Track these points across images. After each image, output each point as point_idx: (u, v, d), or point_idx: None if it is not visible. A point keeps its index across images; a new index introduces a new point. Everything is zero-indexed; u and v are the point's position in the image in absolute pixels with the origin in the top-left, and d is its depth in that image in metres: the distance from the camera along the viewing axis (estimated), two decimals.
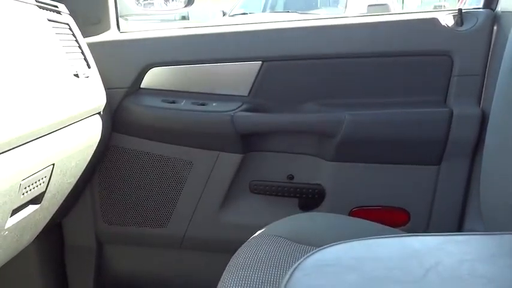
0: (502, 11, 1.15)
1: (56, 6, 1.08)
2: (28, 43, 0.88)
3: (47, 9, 1.02)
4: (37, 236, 1.08)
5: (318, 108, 1.22)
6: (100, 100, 1.14)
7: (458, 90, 1.17)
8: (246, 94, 1.26)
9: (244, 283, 0.77)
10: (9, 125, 0.75)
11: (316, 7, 7.16)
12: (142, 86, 1.28)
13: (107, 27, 1.33)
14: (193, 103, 1.25)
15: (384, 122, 1.18)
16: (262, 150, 1.27)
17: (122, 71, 1.27)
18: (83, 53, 1.12)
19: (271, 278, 0.78)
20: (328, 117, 1.20)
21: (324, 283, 0.44)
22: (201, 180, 1.27)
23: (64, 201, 1.12)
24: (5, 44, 0.81)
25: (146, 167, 1.28)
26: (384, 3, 6.59)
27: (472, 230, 1.15)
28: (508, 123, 0.78)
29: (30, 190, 0.88)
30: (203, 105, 1.24)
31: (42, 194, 0.95)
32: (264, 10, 7.34)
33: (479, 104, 1.16)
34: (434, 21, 1.18)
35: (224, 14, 7.47)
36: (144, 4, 1.53)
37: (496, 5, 1.18)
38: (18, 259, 1.06)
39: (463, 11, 1.18)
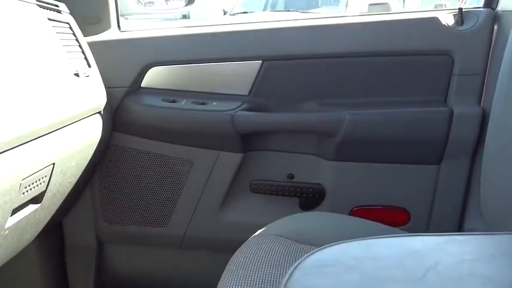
0: (502, 10, 1.15)
1: (57, 6, 1.08)
2: (28, 42, 0.88)
3: (47, 8, 1.02)
4: (37, 235, 1.08)
5: (318, 108, 1.22)
6: (100, 99, 1.14)
7: (458, 90, 1.17)
8: (247, 93, 1.25)
9: (244, 282, 0.77)
10: (10, 125, 0.75)
11: (316, 6, 7.16)
12: (142, 85, 1.28)
13: (107, 27, 1.33)
14: (193, 102, 1.25)
15: (384, 122, 1.18)
16: (263, 149, 1.27)
17: (123, 70, 1.27)
18: (83, 52, 1.12)
19: (271, 277, 0.78)
20: (329, 116, 1.20)
21: (324, 283, 0.44)
22: (201, 180, 1.27)
23: (64, 200, 1.12)
24: (5, 43, 0.81)
25: (146, 166, 1.28)
26: (384, 2, 6.58)
27: (472, 230, 1.15)
28: (509, 122, 0.78)
29: (31, 189, 0.88)
30: (203, 104, 1.24)
31: (43, 194, 0.95)
32: (264, 9, 7.34)
33: (480, 103, 1.16)
34: (434, 21, 1.18)
35: (225, 13, 7.47)
36: (145, 3, 1.52)
37: (497, 4, 1.18)
38: (19, 258, 1.06)
39: (463, 10, 1.18)
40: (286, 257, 0.84)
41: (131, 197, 1.31)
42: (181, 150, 1.26)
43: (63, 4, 1.13)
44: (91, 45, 1.18)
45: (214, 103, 1.25)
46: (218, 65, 1.26)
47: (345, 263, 0.47)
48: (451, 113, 1.14)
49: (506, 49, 0.82)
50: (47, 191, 0.96)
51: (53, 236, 1.34)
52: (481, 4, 1.21)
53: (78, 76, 1.02)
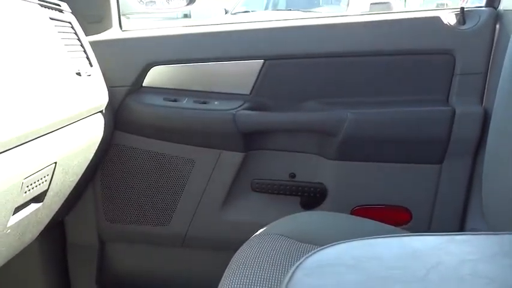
0: (504, 10, 1.15)
1: (58, 5, 1.08)
2: (30, 42, 0.88)
3: (49, 7, 1.02)
4: (39, 234, 1.08)
5: (320, 107, 1.22)
6: (102, 98, 1.14)
7: (460, 89, 1.16)
8: (248, 93, 1.25)
9: (246, 281, 0.77)
10: (12, 124, 0.75)
11: (318, 5, 7.15)
12: (144, 84, 1.28)
13: (109, 26, 1.33)
14: (195, 101, 1.25)
15: (386, 121, 1.18)
16: (264, 148, 1.27)
17: (124, 69, 1.27)
18: (85, 51, 1.12)
19: (272, 276, 0.78)
20: (330, 115, 1.20)
21: (325, 283, 0.44)
22: (202, 179, 1.27)
23: (66, 199, 1.12)
24: (7, 42, 0.81)
25: (148, 165, 1.28)
26: (386, 1, 6.55)
27: (474, 229, 1.15)
28: (510, 122, 0.78)
29: (33, 188, 0.88)
30: (205, 103, 1.24)
31: (45, 193, 0.95)
32: (266, 8, 7.33)
33: (482, 102, 1.16)
34: (436, 20, 1.18)
35: (226, 12, 7.46)
36: (146, 2, 1.52)
37: (499, 4, 1.17)
38: (21, 257, 1.06)
39: (465, 9, 1.18)
40: (288, 256, 0.84)
41: (133, 196, 1.31)
42: (182, 149, 1.26)
43: (65, 3, 1.13)
44: (93, 44, 1.18)
45: (215, 102, 1.25)
46: (220, 64, 1.26)
47: (347, 263, 0.47)
48: (453, 113, 1.14)
49: (508, 48, 0.82)
50: (49, 190, 0.96)
51: (55, 235, 1.34)
52: (483, 3, 1.21)
53: (80, 75, 1.02)
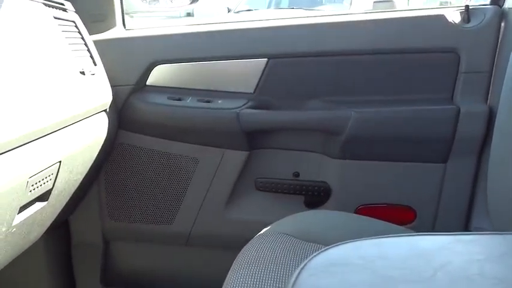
0: (509, 8, 1.14)
1: (62, 4, 1.08)
2: (34, 41, 0.88)
3: (53, 6, 1.02)
4: (44, 233, 1.08)
5: (324, 106, 1.22)
6: (106, 97, 1.14)
7: (465, 88, 1.16)
8: (252, 91, 1.25)
9: (250, 281, 0.77)
10: (16, 123, 0.76)
11: (321, 3, 7.13)
12: (148, 83, 1.28)
13: (112, 25, 1.33)
14: (198, 100, 1.25)
15: (390, 120, 1.17)
16: (268, 147, 1.27)
17: (128, 68, 1.27)
18: (89, 50, 1.12)
19: (277, 275, 0.78)
20: (334, 114, 1.20)
21: (331, 283, 0.44)
22: (206, 178, 1.27)
23: (71, 198, 1.12)
24: (11, 41, 0.81)
25: (152, 164, 1.28)
26: None
27: (479, 228, 1.15)
28: None
29: (38, 187, 0.88)
30: (209, 102, 1.24)
31: (49, 191, 0.95)
32: (269, 7, 7.32)
33: (487, 101, 1.15)
34: (440, 18, 1.17)
35: (229, 11, 7.46)
36: (150, 1, 1.52)
37: (504, 2, 1.17)
38: (26, 256, 1.07)
39: (470, 7, 1.17)
40: (292, 255, 0.84)
41: (137, 194, 1.31)
42: (186, 148, 1.26)
43: (69, 2, 1.13)
44: (96, 43, 1.18)
45: (219, 101, 1.25)
46: (223, 63, 1.26)
47: (353, 263, 0.47)
48: (458, 111, 1.13)
49: None
50: (54, 188, 0.96)
51: (60, 234, 1.34)
52: (488, 1, 1.20)
53: (84, 74, 1.02)
